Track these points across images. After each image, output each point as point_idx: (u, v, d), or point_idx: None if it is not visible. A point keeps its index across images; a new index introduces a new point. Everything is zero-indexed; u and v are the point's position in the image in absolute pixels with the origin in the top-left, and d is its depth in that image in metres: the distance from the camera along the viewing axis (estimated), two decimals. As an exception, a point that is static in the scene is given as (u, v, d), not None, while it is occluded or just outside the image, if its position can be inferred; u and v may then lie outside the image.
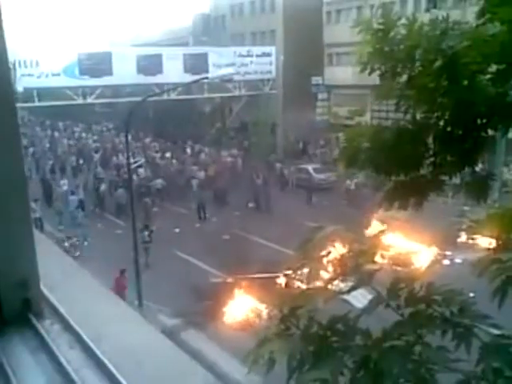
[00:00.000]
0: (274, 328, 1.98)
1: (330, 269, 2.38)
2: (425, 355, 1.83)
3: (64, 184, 26.08)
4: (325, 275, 2.25)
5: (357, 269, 2.22)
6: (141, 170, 27.60)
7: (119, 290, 15.68)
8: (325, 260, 2.42)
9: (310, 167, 29.34)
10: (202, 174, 28.23)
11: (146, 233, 18.61)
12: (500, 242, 2.35)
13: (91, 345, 1.95)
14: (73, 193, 24.32)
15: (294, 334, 1.98)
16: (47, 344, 1.97)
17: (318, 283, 2.24)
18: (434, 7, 26.27)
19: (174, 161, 31.84)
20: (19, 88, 27.01)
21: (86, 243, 19.69)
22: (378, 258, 2.60)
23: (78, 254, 18.71)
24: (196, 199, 24.44)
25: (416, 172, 2.95)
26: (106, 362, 1.85)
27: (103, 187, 25.80)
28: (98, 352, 1.91)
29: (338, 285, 2.18)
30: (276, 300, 2.17)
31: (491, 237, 2.44)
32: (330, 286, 2.16)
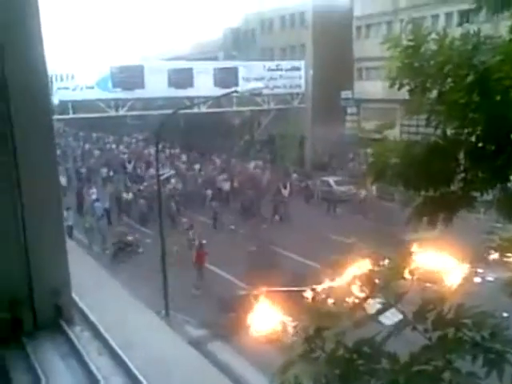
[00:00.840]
0: (299, 349, 1.95)
1: (359, 285, 2.34)
2: (454, 381, 1.77)
3: (93, 193, 26.70)
4: (354, 290, 2.22)
5: (386, 288, 2.18)
6: (172, 181, 28.05)
7: (199, 261, 17.52)
8: (352, 277, 2.39)
9: (331, 179, 29.55)
10: (227, 185, 28.51)
11: (191, 232, 19.60)
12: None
13: (120, 352, 1.98)
14: (98, 200, 25.04)
15: (319, 357, 1.94)
16: (77, 350, 2.02)
17: (348, 299, 2.21)
18: (467, 21, 25.90)
19: (203, 172, 32.18)
20: (55, 101, 27.84)
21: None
22: (407, 275, 2.55)
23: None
24: (212, 210, 24.64)
25: (446, 188, 2.91)
26: (134, 369, 1.88)
27: (130, 196, 26.33)
28: (126, 359, 1.94)
29: (368, 302, 2.14)
30: (302, 316, 2.14)
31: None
32: (359, 306, 2.12)
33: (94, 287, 2.66)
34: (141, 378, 1.83)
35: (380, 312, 2.09)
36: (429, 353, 1.86)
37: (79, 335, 2.14)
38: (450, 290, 2.76)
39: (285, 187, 27.05)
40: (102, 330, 2.15)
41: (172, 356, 2.12)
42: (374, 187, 23.41)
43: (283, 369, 1.91)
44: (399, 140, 3.34)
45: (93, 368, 1.91)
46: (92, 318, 2.24)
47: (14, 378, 1.95)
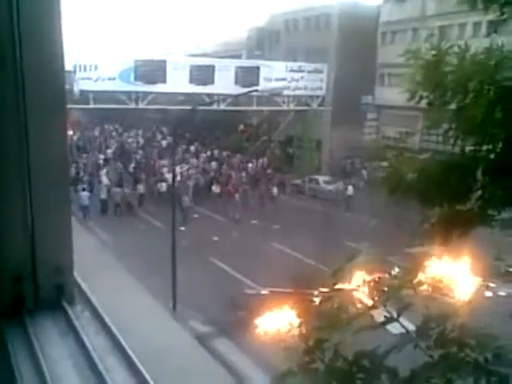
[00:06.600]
0: (298, 358, 1.91)
1: (367, 293, 2.28)
2: None
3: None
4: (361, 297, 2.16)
5: (393, 298, 2.12)
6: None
7: (229, 193, 21.98)
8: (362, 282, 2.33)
9: (320, 178, 30.89)
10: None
11: None
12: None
13: (117, 334, 1.99)
14: (84, 189, 24.95)
15: (318, 369, 1.91)
16: (76, 329, 2.04)
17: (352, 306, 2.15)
18: (495, 32, 25.51)
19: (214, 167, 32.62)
20: (76, 90, 28.16)
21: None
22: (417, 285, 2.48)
23: None
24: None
25: (462, 205, 2.86)
26: (129, 351, 1.89)
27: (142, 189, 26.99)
28: (122, 341, 1.96)
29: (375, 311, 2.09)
30: (306, 322, 2.10)
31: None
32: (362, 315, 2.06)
33: (97, 268, 2.68)
34: (135, 359, 1.85)
35: (383, 324, 2.04)
36: (430, 371, 1.82)
37: (79, 315, 2.16)
38: (457, 305, 2.69)
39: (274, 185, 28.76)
40: (101, 311, 2.17)
41: (168, 341, 2.12)
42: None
43: (281, 378, 1.87)
44: (414, 157, 3.28)
45: (89, 347, 1.93)
46: (93, 298, 2.26)
47: (12, 351, 1.98)
